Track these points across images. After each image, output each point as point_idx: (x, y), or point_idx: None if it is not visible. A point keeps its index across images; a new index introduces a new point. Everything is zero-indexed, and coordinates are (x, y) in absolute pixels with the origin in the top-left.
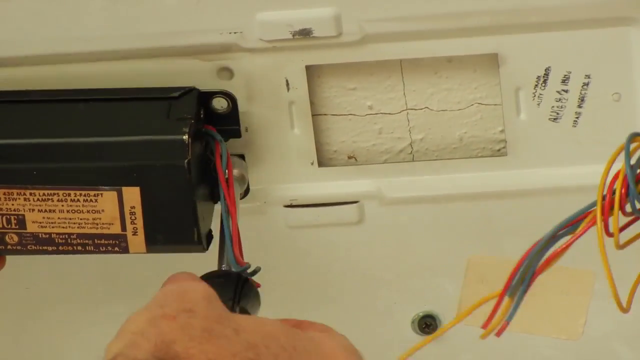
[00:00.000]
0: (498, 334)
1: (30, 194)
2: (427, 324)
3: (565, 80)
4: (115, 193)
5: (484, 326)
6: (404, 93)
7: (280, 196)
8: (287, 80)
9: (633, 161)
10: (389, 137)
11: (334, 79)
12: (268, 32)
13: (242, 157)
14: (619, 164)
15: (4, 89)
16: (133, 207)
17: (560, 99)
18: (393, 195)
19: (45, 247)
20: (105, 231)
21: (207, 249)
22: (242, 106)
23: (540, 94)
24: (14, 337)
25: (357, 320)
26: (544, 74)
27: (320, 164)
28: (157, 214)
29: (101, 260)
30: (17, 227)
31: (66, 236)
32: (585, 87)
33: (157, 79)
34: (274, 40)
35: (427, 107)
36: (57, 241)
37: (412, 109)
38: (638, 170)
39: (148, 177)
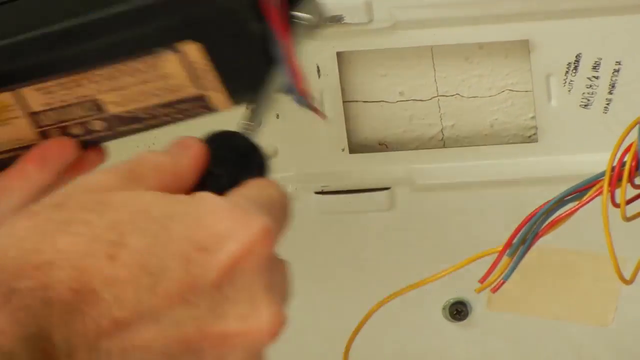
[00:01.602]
0: (493, 291)
1: (95, 75)
2: (458, 311)
3: (596, 66)
4: (175, 54)
5: (481, 281)
6: (435, 79)
7: (311, 182)
8: (318, 67)
9: None
10: (420, 123)
11: (365, 65)
12: None
13: None
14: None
15: None
16: (201, 64)
17: (591, 86)
18: (424, 181)
19: (133, 126)
20: (183, 95)
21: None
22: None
23: (571, 81)
24: None
25: (387, 306)
26: (575, 61)
27: (351, 150)
28: (227, 65)
29: None
30: (98, 112)
31: (149, 109)
32: (615, 73)
33: None
34: None
35: (458, 94)
36: (141, 117)
37: (443, 96)
38: None
39: (204, 29)
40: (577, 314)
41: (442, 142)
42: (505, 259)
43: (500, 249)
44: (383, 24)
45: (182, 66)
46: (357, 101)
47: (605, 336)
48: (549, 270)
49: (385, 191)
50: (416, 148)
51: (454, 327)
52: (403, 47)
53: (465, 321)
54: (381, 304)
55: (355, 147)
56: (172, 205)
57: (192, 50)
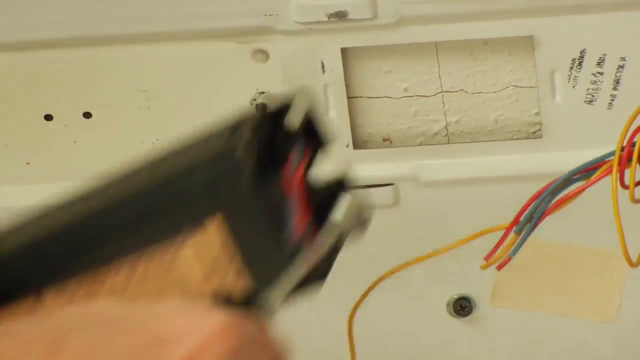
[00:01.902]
0: (499, 268)
1: (114, 274)
2: (462, 306)
3: (600, 62)
4: (192, 248)
5: (487, 258)
6: (440, 75)
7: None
8: (322, 63)
9: None
10: (425, 119)
11: (370, 61)
12: (303, 14)
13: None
14: None
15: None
16: (219, 256)
17: (595, 82)
18: (428, 177)
19: None
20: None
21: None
22: (277, 89)
23: (576, 77)
24: None
25: (392, 302)
26: (580, 57)
27: (356, 146)
28: (250, 249)
29: None
30: None
31: None
32: (620, 69)
33: (191, 62)
34: (309, 23)
35: (463, 90)
36: None
37: (447, 92)
38: None
39: (228, 215)
40: (581, 309)
41: (446, 138)
42: (512, 236)
43: (507, 225)
44: (388, 19)
45: (199, 256)
46: (361, 97)
47: (609, 332)
48: (552, 266)
49: (390, 187)
50: (420, 144)
51: (458, 322)
52: (407, 43)
53: (469, 317)
54: (386, 275)
55: (360, 142)
56: (126, 308)
57: (210, 238)
